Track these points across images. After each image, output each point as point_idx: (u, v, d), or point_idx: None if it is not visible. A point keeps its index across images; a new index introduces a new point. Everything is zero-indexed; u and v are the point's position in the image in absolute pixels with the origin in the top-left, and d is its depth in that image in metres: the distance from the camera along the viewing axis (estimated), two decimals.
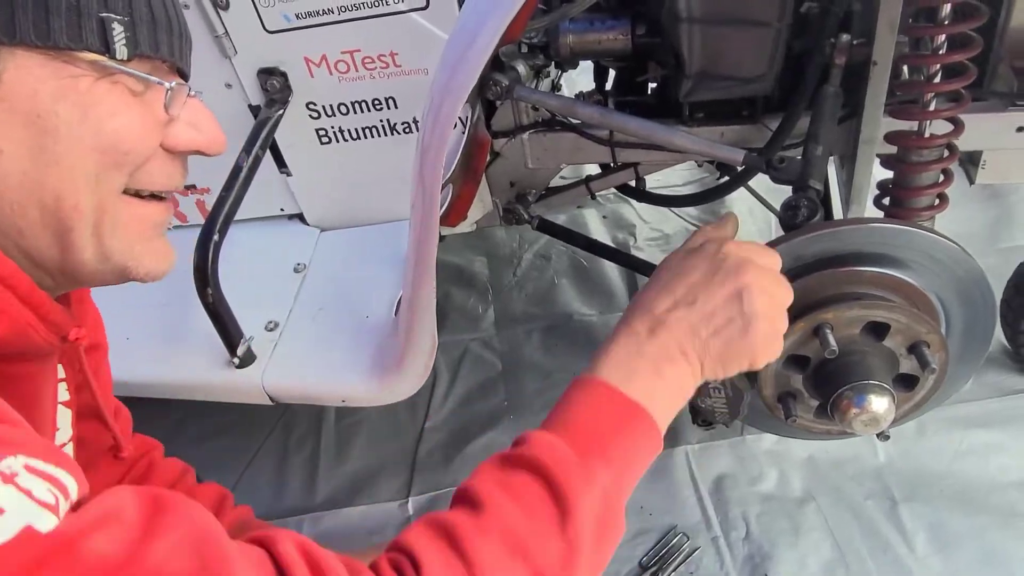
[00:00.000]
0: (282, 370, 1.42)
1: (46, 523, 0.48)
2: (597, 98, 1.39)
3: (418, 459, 1.75)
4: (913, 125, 1.07)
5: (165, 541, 0.52)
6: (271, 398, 1.43)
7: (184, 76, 0.76)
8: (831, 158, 1.31)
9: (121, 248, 0.71)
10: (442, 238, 1.52)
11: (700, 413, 1.10)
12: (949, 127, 1.08)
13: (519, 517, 0.66)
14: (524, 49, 1.34)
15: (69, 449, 0.88)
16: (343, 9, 1.34)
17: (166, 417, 1.80)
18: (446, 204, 1.30)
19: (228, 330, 1.36)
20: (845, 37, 1.07)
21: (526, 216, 1.50)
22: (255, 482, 1.76)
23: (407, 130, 1.51)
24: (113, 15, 0.66)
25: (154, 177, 0.72)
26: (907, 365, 1.03)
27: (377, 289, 1.50)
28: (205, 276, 1.28)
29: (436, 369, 1.91)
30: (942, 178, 1.11)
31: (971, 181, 1.30)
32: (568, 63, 1.46)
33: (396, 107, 1.48)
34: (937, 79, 1.02)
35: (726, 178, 1.56)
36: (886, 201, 1.16)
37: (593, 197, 1.62)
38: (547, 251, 2.26)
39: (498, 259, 2.27)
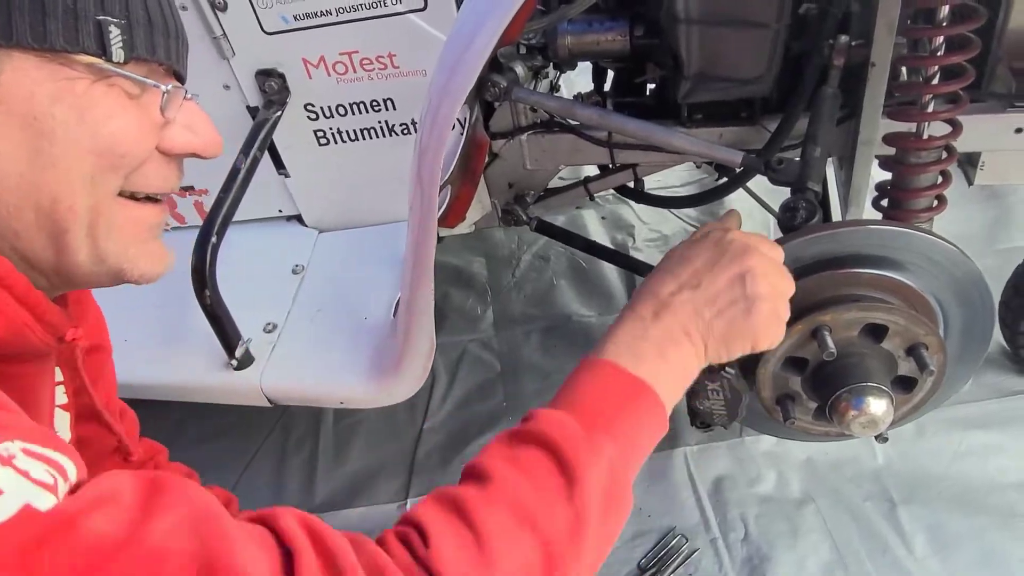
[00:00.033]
0: (280, 372, 1.42)
1: (45, 502, 0.48)
2: (596, 99, 1.39)
3: (417, 461, 1.75)
4: (911, 127, 1.07)
5: (164, 520, 0.52)
6: (269, 400, 1.43)
7: (181, 79, 0.76)
8: (829, 159, 1.31)
9: (116, 250, 0.71)
10: (441, 239, 1.52)
11: (698, 415, 1.09)
12: (947, 129, 1.08)
13: (526, 488, 0.66)
14: (522, 50, 1.34)
15: None
16: (341, 11, 1.34)
17: (165, 419, 1.79)
18: (444, 205, 1.30)
19: (226, 332, 1.36)
20: (843, 38, 1.07)
21: (524, 217, 1.50)
22: (254, 483, 1.76)
23: (405, 131, 1.51)
24: (110, 18, 0.65)
25: (150, 179, 0.72)
26: (905, 367, 1.03)
27: (375, 290, 1.50)
28: (203, 278, 1.28)
29: (435, 370, 1.90)
30: (940, 180, 1.11)
31: (970, 182, 1.30)
32: (566, 64, 1.45)
33: (394, 108, 1.48)
34: (935, 81, 1.02)
35: (724, 179, 1.56)
36: (884, 203, 1.16)
37: (592, 198, 1.61)
38: (546, 252, 2.26)
39: (497, 260, 2.27)
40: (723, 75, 1.16)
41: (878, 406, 0.98)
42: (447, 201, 1.29)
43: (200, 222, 1.34)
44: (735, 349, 0.83)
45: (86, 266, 0.70)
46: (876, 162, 1.19)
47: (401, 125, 1.51)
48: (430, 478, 1.70)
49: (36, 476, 0.49)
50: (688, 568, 1.46)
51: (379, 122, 1.51)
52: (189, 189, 1.68)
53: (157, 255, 0.76)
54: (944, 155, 1.10)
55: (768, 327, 0.84)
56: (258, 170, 1.40)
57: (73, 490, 0.52)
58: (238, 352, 1.38)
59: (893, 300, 1.02)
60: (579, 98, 1.40)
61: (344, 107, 1.49)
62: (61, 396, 0.85)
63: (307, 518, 0.59)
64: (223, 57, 1.44)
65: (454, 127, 1.03)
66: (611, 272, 2.14)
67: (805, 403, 1.09)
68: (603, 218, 2.36)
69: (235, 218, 1.34)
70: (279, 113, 1.46)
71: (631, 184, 1.53)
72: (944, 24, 0.97)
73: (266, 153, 1.48)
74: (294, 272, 1.62)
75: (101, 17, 0.65)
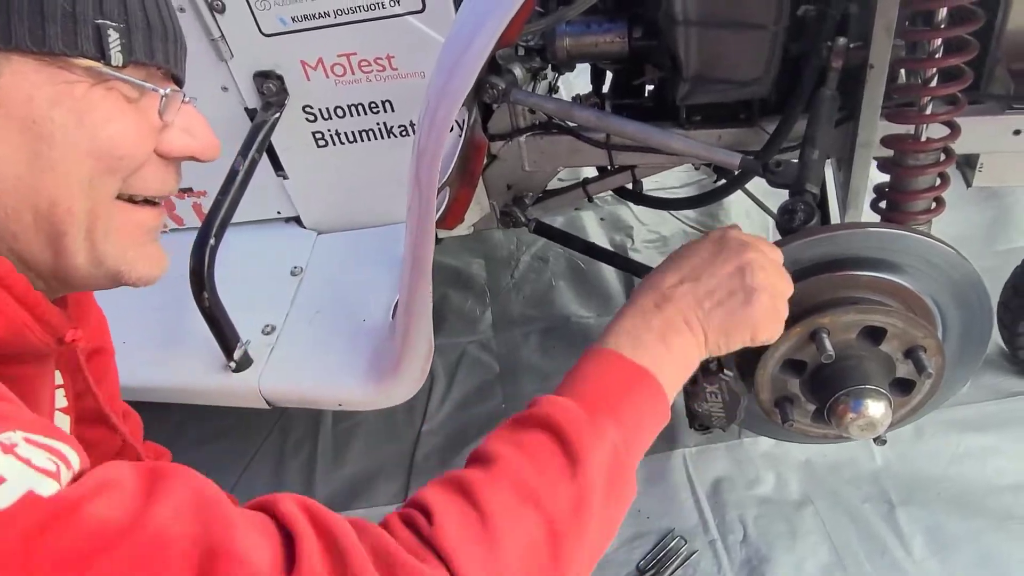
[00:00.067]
0: (279, 374, 1.42)
1: (48, 488, 0.49)
2: (594, 100, 1.39)
3: (415, 463, 1.75)
4: (910, 129, 1.07)
5: (166, 506, 0.52)
6: (268, 402, 1.43)
7: (179, 82, 0.76)
8: (828, 161, 1.31)
9: (114, 253, 0.71)
10: (439, 240, 1.52)
11: (697, 417, 1.09)
12: (946, 131, 1.08)
13: (530, 468, 0.67)
14: (521, 52, 1.33)
15: None
16: (339, 12, 1.34)
17: (164, 421, 1.79)
18: (443, 207, 1.29)
19: (224, 334, 1.35)
20: (842, 40, 1.07)
21: (523, 219, 1.50)
22: (252, 485, 1.76)
23: (404, 133, 1.51)
24: (109, 22, 0.66)
25: (148, 183, 0.72)
26: (904, 369, 1.03)
27: (374, 292, 1.50)
28: (201, 280, 1.28)
29: (433, 372, 1.90)
30: (939, 182, 1.11)
31: (968, 184, 1.30)
32: (565, 66, 1.45)
33: (393, 110, 1.48)
34: (933, 83, 1.02)
35: (723, 181, 1.56)
36: (883, 205, 1.16)
37: (590, 200, 1.62)
38: (544, 253, 2.26)
39: (496, 261, 2.27)
40: (721, 77, 1.16)
41: (876, 408, 0.98)
42: (446, 203, 1.29)
43: (199, 224, 1.34)
44: (735, 340, 0.85)
45: (84, 268, 0.70)
46: (875, 163, 1.19)
47: (399, 127, 1.51)
48: (429, 480, 1.69)
49: (38, 464, 0.50)
50: (687, 570, 1.46)
51: (377, 124, 1.50)
52: (188, 191, 1.68)
53: (154, 258, 0.76)
54: (942, 157, 1.10)
55: (767, 318, 0.85)
56: (256, 172, 1.40)
57: (75, 479, 0.53)
58: (236, 354, 1.38)
59: (891, 303, 1.02)
60: (578, 99, 1.40)
61: (342, 109, 1.49)
62: (61, 399, 0.84)
63: (307, 502, 0.60)
64: (221, 59, 1.44)
65: (452, 129, 1.03)
66: (610, 273, 2.14)
67: (803, 405, 1.09)
68: (602, 219, 2.36)
69: (233, 220, 1.34)
70: (277, 115, 1.46)
71: (630, 186, 1.53)
72: (942, 26, 0.97)
73: (264, 155, 1.48)
74: (292, 274, 1.62)
75: (100, 21, 0.65)
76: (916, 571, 1.39)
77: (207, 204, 1.36)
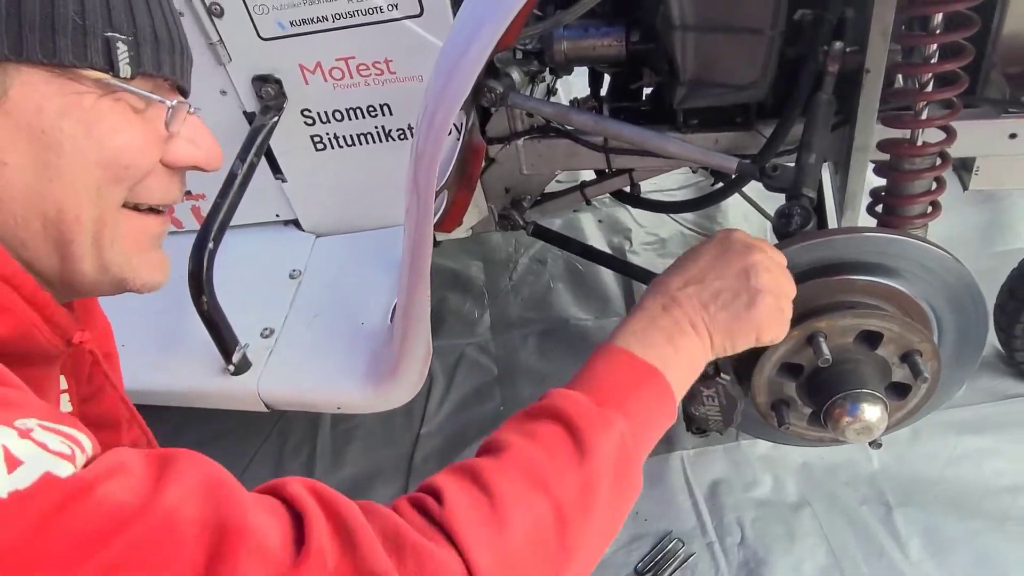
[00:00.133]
0: (278, 377, 1.42)
1: (64, 470, 0.50)
2: (592, 104, 1.40)
3: (414, 465, 1.75)
4: (906, 133, 1.07)
5: (177, 488, 0.53)
6: (267, 405, 1.43)
7: (184, 93, 0.78)
8: (825, 164, 1.31)
9: (119, 260, 0.73)
10: (438, 243, 1.52)
11: (694, 421, 1.10)
12: (942, 135, 1.08)
13: (538, 454, 0.69)
14: (519, 55, 1.34)
15: None
16: (337, 17, 1.34)
17: (164, 423, 1.79)
18: (441, 210, 1.30)
19: (223, 337, 1.36)
20: (838, 45, 1.08)
21: (521, 222, 1.51)
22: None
23: (402, 137, 1.51)
24: (118, 35, 0.67)
25: (153, 191, 0.74)
26: (900, 374, 1.04)
27: (373, 295, 1.50)
28: (200, 283, 1.28)
29: (432, 374, 1.90)
30: (935, 186, 1.12)
31: (964, 187, 1.31)
32: (563, 69, 1.46)
33: (391, 114, 1.48)
34: (929, 88, 1.02)
35: (720, 184, 1.57)
36: (879, 208, 1.16)
37: (588, 203, 1.62)
38: (543, 255, 2.26)
39: (494, 263, 2.27)
40: (719, 81, 1.17)
41: (872, 412, 0.99)
42: (444, 206, 1.29)
43: (197, 227, 1.34)
44: (740, 342, 0.86)
45: (90, 275, 0.72)
46: (871, 168, 1.19)
47: (398, 130, 1.51)
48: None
49: (54, 448, 0.51)
50: (684, 572, 1.46)
51: (376, 127, 1.51)
52: (187, 194, 1.68)
53: (158, 264, 0.78)
54: (938, 161, 1.10)
55: (771, 319, 0.86)
56: (255, 175, 1.40)
57: (88, 463, 0.54)
58: (235, 357, 1.38)
59: (888, 307, 1.02)
60: (575, 103, 1.41)
61: (341, 112, 1.49)
62: (65, 404, 0.85)
63: (315, 484, 0.61)
64: (219, 63, 1.44)
65: (450, 132, 1.03)
66: (608, 275, 2.14)
67: (800, 408, 1.09)
68: (600, 221, 2.36)
69: (232, 223, 1.34)
70: (276, 118, 1.46)
71: (627, 188, 1.53)
72: (938, 31, 0.98)
73: (263, 158, 1.48)
74: (291, 277, 1.62)
75: (109, 34, 0.66)
76: (913, 573, 1.39)
77: (206, 207, 1.36)
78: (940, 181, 1.12)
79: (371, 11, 1.32)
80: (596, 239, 2.29)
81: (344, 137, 1.53)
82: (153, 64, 0.70)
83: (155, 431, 1.23)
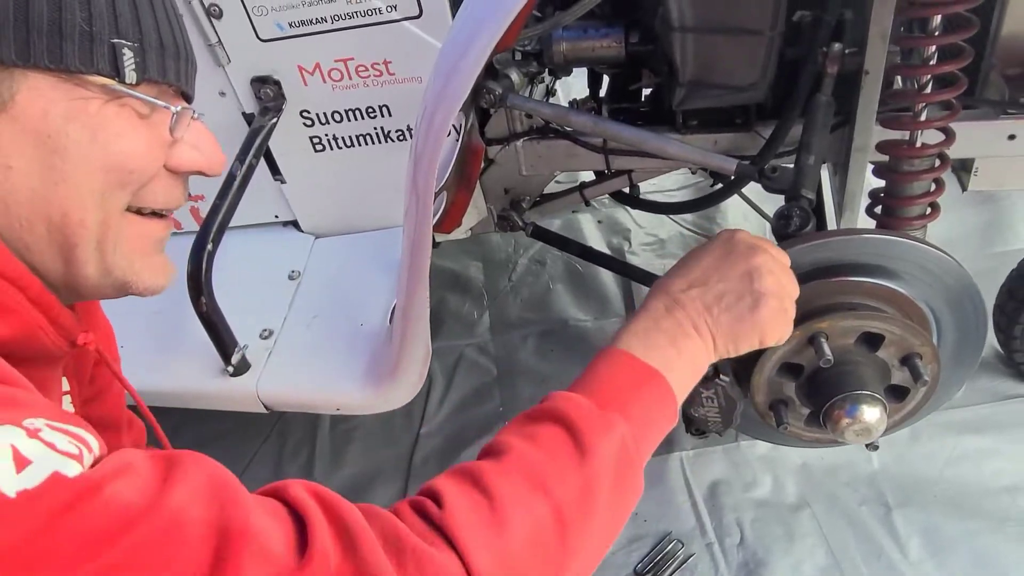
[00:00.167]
0: (277, 378, 1.42)
1: (72, 470, 0.51)
2: (591, 105, 1.40)
3: (413, 466, 1.75)
4: (905, 134, 1.08)
5: (183, 489, 0.54)
6: (266, 406, 1.43)
7: (188, 99, 0.78)
8: (824, 165, 1.31)
9: (123, 264, 0.73)
10: (437, 244, 1.52)
11: (693, 422, 1.10)
12: (941, 136, 1.08)
13: (539, 457, 0.69)
14: (518, 56, 1.34)
15: None
16: (336, 18, 1.34)
17: (163, 424, 1.78)
18: (440, 211, 1.30)
19: (222, 338, 1.36)
20: (837, 46, 1.08)
21: (520, 223, 1.51)
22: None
23: (401, 138, 1.51)
24: (124, 41, 0.67)
25: (157, 196, 0.74)
26: (899, 376, 1.04)
27: (372, 296, 1.50)
28: (199, 285, 1.28)
29: (431, 375, 1.91)
30: (934, 187, 1.12)
31: (963, 188, 1.31)
32: (562, 70, 1.46)
33: (390, 115, 1.48)
34: (928, 89, 1.03)
35: (720, 185, 1.57)
36: (878, 210, 1.16)
37: (587, 204, 1.62)
38: (542, 256, 2.26)
39: (493, 264, 2.27)
40: (718, 82, 1.17)
41: (871, 414, 0.99)
42: (443, 207, 1.29)
43: (196, 228, 1.34)
44: (743, 344, 0.86)
45: (94, 278, 0.72)
46: (871, 169, 1.19)
47: (397, 131, 1.51)
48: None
49: (62, 447, 0.51)
50: (684, 573, 1.46)
51: (375, 129, 1.51)
52: None
53: (160, 268, 0.79)
54: (937, 162, 1.10)
55: (775, 322, 0.86)
56: (254, 176, 1.40)
57: (95, 463, 0.54)
58: (234, 358, 1.38)
59: (888, 309, 1.02)
60: (574, 104, 1.41)
61: (340, 114, 1.49)
62: (67, 406, 0.85)
63: (316, 488, 0.62)
64: (219, 64, 1.44)
65: (449, 134, 1.03)
66: (607, 276, 2.14)
67: (798, 409, 1.09)
68: (599, 222, 2.36)
69: (231, 224, 1.34)
70: (275, 120, 1.46)
71: (627, 189, 1.53)
72: (937, 33, 0.98)
73: (262, 159, 1.48)
74: (290, 278, 1.62)
75: (116, 40, 0.67)
76: (913, 573, 1.39)
77: (205, 208, 1.36)
78: (939, 182, 1.12)
79: (370, 12, 1.32)
80: (595, 240, 2.29)
81: (343, 138, 1.53)
82: (158, 70, 0.71)
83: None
